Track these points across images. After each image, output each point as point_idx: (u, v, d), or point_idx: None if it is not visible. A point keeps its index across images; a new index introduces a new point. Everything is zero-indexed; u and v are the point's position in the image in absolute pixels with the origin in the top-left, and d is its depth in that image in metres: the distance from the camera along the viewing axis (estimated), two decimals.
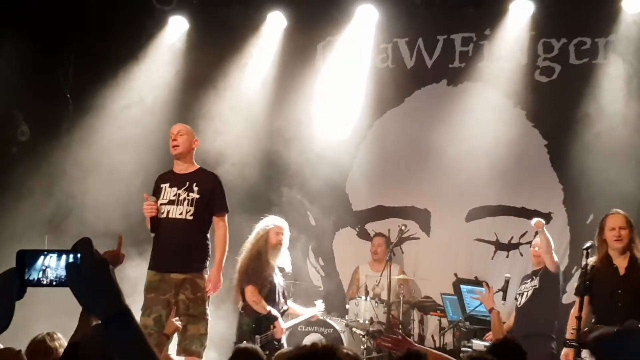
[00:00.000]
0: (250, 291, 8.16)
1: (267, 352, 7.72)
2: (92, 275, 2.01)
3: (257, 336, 8.01)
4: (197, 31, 11.16)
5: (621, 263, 6.78)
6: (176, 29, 11.13)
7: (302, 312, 9.05)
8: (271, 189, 10.89)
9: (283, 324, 8.27)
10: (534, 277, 8.60)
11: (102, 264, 2.02)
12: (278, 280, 8.40)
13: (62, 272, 2.05)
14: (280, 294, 8.42)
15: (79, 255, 2.03)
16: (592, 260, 6.82)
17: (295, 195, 10.76)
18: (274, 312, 8.19)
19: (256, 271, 8.23)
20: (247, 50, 11.00)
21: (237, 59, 10.95)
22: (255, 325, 8.13)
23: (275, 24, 11.00)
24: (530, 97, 10.37)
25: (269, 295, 8.24)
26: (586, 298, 6.77)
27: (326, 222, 10.95)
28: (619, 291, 6.72)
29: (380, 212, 10.99)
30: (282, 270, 8.62)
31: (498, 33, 10.47)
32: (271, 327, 8.15)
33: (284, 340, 8.28)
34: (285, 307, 8.55)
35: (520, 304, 8.55)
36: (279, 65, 11.08)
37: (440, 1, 10.63)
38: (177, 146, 7.34)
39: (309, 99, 10.99)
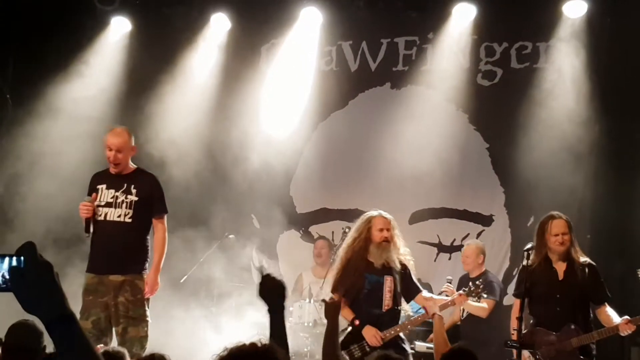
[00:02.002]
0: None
1: None
2: (35, 279, 1.99)
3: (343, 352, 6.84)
4: (140, 32, 11.07)
5: (560, 267, 6.87)
6: (118, 29, 11.03)
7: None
8: (215, 191, 10.83)
9: (372, 330, 7.09)
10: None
11: (45, 267, 2.00)
12: (386, 278, 7.29)
13: (5, 277, 2.02)
14: (388, 294, 7.27)
15: (22, 259, 2.00)
16: (530, 261, 6.86)
17: (239, 197, 10.72)
18: (357, 321, 7.15)
19: (342, 274, 7.36)
20: (190, 51, 10.94)
21: (180, 61, 10.88)
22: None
23: (219, 26, 10.96)
24: (473, 100, 10.49)
25: (367, 298, 7.25)
26: (526, 300, 6.84)
27: (270, 225, 10.91)
28: (557, 295, 6.80)
29: (324, 215, 11.00)
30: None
31: (441, 37, 10.56)
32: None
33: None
34: (390, 308, 7.29)
35: (463, 316, 8.63)
36: (223, 68, 11.04)
37: (384, 4, 10.68)
38: (119, 164, 7.19)
39: (253, 101, 10.96)
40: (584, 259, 6.90)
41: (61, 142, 10.28)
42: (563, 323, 6.72)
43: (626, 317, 6.61)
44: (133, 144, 7.38)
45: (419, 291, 7.48)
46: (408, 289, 7.43)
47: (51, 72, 10.64)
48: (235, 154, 10.65)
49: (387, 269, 7.30)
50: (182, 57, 10.89)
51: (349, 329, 7.22)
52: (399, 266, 7.35)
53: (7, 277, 2.02)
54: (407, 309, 7.74)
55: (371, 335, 7.03)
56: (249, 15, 10.95)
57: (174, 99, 10.71)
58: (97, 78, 10.81)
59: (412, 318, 7.64)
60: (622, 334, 6.60)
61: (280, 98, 10.95)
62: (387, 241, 7.32)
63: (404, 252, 7.47)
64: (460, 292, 7.26)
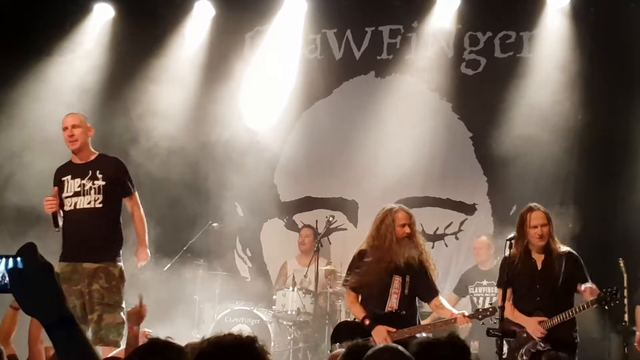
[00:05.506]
0: (347, 294, 7.39)
1: None
2: (35, 281, 1.98)
3: (336, 344, 6.80)
4: (123, 19, 11.01)
5: (539, 257, 6.91)
6: (102, 16, 10.96)
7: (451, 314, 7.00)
8: (199, 178, 10.81)
9: (383, 332, 6.77)
10: (494, 282, 8.80)
11: (45, 268, 1.99)
12: (394, 279, 6.97)
13: (5, 278, 2.01)
14: (393, 295, 6.98)
15: (22, 259, 1.99)
16: (512, 253, 6.89)
17: (223, 185, 10.69)
18: (367, 320, 6.90)
19: (355, 271, 7.16)
20: (174, 39, 10.89)
21: (164, 48, 10.83)
22: (338, 329, 7.13)
23: (203, 13, 10.92)
24: (456, 89, 10.50)
25: (372, 297, 7.04)
26: (509, 289, 6.88)
27: (254, 213, 10.92)
28: (537, 285, 6.86)
29: (308, 203, 11.01)
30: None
31: (425, 26, 10.56)
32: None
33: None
34: (393, 310, 6.95)
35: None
36: (207, 55, 11.00)
37: None
38: (76, 140, 7.13)
39: (237, 89, 10.92)
40: (564, 248, 6.95)
41: (42, 128, 10.19)
42: (544, 311, 6.78)
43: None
44: (88, 125, 7.28)
45: (436, 294, 7.10)
46: (424, 290, 7.07)
47: (33, 58, 10.55)
48: (219, 142, 10.62)
49: (402, 268, 6.96)
50: (165, 45, 10.84)
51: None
52: (417, 265, 6.99)
53: (7, 278, 2.01)
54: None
55: (382, 338, 6.70)
56: (233, 2, 10.93)
57: (157, 87, 10.65)
58: (80, 64, 10.73)
59: (435, 322, 7.38)
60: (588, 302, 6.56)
61: (264, 86, 10.93)
62: (410, 237, 7.01)
63: (425, 250, 7.13)
64: (464, 312, 6.99)
